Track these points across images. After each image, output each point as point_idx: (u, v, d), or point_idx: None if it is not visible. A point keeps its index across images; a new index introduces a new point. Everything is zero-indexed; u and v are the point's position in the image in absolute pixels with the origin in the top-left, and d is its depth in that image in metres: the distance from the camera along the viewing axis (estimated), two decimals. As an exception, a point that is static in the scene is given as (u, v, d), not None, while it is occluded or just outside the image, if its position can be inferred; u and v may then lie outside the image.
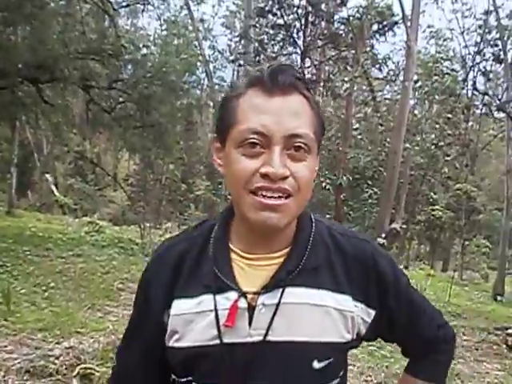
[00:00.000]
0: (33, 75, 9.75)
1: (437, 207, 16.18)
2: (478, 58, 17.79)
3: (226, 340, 0.83)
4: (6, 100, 10.14)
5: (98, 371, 3.29)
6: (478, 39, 17.73)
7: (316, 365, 0.84)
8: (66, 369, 3.29)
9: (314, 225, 0.91)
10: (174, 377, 0.91)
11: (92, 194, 21.15)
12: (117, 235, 11.82)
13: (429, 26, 18.89)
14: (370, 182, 13.80)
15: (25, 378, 3.10)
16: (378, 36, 12.21)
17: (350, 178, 12.39)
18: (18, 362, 3.21)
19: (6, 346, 3.56)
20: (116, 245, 10.27)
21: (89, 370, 3.32)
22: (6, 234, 9.28)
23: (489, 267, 17.34)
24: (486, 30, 17.06)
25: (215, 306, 0.84)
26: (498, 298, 10.90)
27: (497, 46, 16.09)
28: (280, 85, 0.80)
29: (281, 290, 0.84)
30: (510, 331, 6.23)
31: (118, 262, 8.29)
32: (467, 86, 18.00)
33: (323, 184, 12.01)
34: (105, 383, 3.22)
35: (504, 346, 5.99)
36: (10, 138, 15.12)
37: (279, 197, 0.79)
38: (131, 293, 6.16)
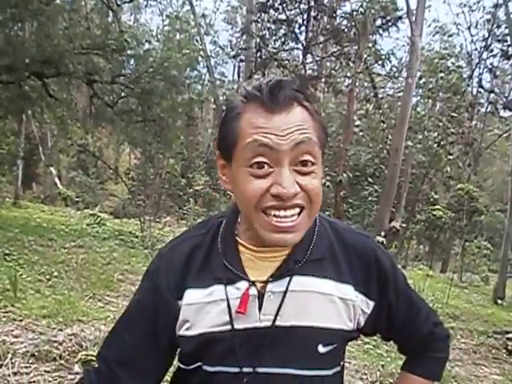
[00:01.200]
0: (39, 70, 9.88)
1: (437, 207, 16.09)
2: (485, 54, 17.23)
3: (237, 326, 0.88)
4: (14, 94, 10.28)
5: (99, 358, 3.39)
6: (486, 34, 17.10)
7: (321, 349, 0.89)
8: (68, 354, 3.36)
9: (318, 220, 0.95)
10: (181, 366, 0.95)
11: (93, 187, 21.28)
12: (117, 228, 11.93)
13: (434, 21, 18.49)
14: (370, 180, 13.76)
15: (30, 361, 3.19)
16: (381, 31, 11.99)
17: (351, 175, 12.36)
18: (24, 346, 3.30)
19: (12, 331, 3.66)
20: (116, 237, 10.39)
21: (90, 357, 3.39)
22: (13, 224, 9.51)
23: (489, 270, 17.02)
24: (495, 25, 16.42)
25: (226, 295, 0.89)
26: (499, 301, 10.62)
27: (505, 41, 15.50)
28: (280, 101, 0.81)
29: (288, 278, 0.89)
30: (510, 335, 6.13)
31: (119, 254, 8.39)
32: (472, 83, 17.53)
33: (323, 181, 12.03)
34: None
35: (503, 350, 5.90)
36: (16, 132, 15.26)
37: (292, 215, 0.82)
38: (131, 284, 6.26)
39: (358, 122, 14.68)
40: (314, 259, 0.91)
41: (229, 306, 0.88)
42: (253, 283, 0.89)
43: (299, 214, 0.83)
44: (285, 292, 0.88)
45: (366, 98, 15.98)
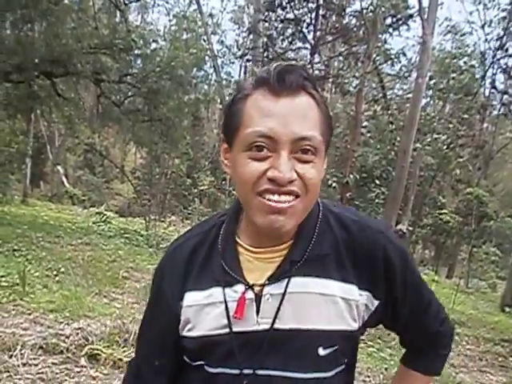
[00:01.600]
0: (48, 69, 9.99)
1: (444, 211, 15.89)
2: (499, 54, 16.12)
3: (235, 329, 0.87)
4: (23, 93, 10.42)
5: (104, 352, 3.40)
6: (501, 33, 16.08)
7: (321, 352, 0.87)
8: (75, 348, 3.42)
9: (321, 213, 0.91)
10: (187, 360, 0.95)
11: (100, 186, 21.44)
12: (123, 226, 12.01)
13: (446, 19, 18.04)
14: (377, 182, 13.60)
15: (38, 353, 3.25)
16: (391, 30, 11.71)
17: (357, 177, 12.23)
18: (33, 339, 3.36)
19: (21, 323, 3.73)
20: (122, 235, 10.46)
21: (96, 351, 3.43)
22: (21, 221, 9.66)
23: (497, 276, 16.72)
24: (511, 23, 15.50)
25: (224, 298, 0.88)
26: (506, 309, 10.33)
27: (522, 40, 14.61)
28: (287, 86, 0.80)
29: (286, 280, 0.86)
30: (517, 343, 5.97)
31: (124, 252, 8.45)
32: (485, 83, 16.78)
33: (329, 182, 11.96)
34: (111, 364, 3.34)
35: (510, 358, 5.82)
36: (25, 131, 15.39)
37: (285, 201, 0.80)
38: (135, 281, 6.31)
39: (365, 123, 14.54)
40: (315, 258, 0.88)
41: (227, 308, 0.88)
42: (250, 286, 0.87)
43: (294, 199, 0.81)
44: (283, 294, 0.86)
45: (374, 99, 15.77)
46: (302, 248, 0.88)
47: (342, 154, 13.23)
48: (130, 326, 3.85)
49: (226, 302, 0.88)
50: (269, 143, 0.79)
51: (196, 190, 17.19)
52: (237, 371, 0.87)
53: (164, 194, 15.45)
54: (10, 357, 3.12)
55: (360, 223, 0.92)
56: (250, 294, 0.87)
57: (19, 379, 2.91)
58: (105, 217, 12.10)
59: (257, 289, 0.87)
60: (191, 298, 0.91)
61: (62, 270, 6.10)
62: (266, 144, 0.79)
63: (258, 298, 0.87)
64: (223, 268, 0.89)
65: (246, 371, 0.87)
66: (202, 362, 0.91)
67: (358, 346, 0.98)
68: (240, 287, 0.87)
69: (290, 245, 0.88)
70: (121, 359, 3.36)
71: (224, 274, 0.89)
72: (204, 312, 0.89)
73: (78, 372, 3.18)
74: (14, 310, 4.08)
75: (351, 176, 11.78)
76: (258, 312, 0.87)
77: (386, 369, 4.25)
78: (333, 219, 0.92)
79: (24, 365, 3.06)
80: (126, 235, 10.56)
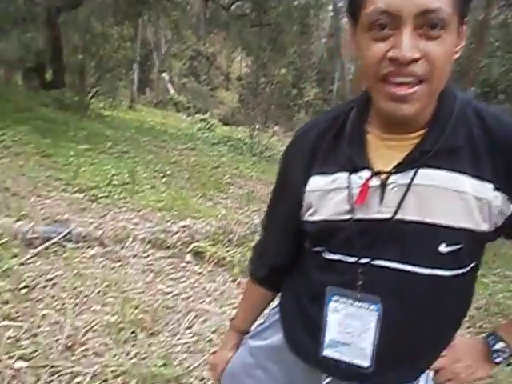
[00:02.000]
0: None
1: None
2: None
3: (357, 215, 0.85)
4: (132, -2, 10.48)
5: (209, 250, 3.55)
6: None
7: (443, 249, 0.82)
8: (181, 244, 3.60)
9: (457, 103, 0.83)
10: (308, 245, 0.97)
11: (204, 94, 21.78)
12: (226, 134, 12.25)
13: None
14: (501, 97, 12.33)
15: (147, 247, 3.47)
16: None
17: (479, 91, 11.14)
18: (142, 233, 3.57)
19: (132, 219, 3.97)
20: (225, 143, 10.67)
21: (201, 249, 3.59)
22: (129, 126, 10.20)
23: None
24: None
25: (349, 183, 0.86)
26: None
27: None
28: None
29: (414, 170, 0.81)
30: None
31: (227, 159, 8.62)
32: None
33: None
34: (214, 262, 3.48)
35: None
36: (132, 37, 15.78)
37: (409, 83, 0.74)
38: (239, 188, 6.41)
39: (493, 31, 12.86)
40: (448, 149, 0.81)
41: (350, 194, 0.86)
42: (376, 173, 0.84)
43: (418, 83, 0.75)
44: (409, 185, 0.82)
45: (507, 3, 13.73)
46: (435, 138, 0.82)
47: (463, 64, 11.91)
48: (234, 227, 3.97)
49: (349, 187, 0.86)
50: (390, 20, 0.73)
51: (301, 101, 16.85)
52: (353, 259, 0.87)
53: (268, 103, 15.31)
54: (122, 248, 3.35)
55: (500, 118, 0.83)
56: (374, 182, 0.85)
57: (130, 268, 3.14)
58: (209, 124, 12.39)
59: (382, 177, 0.84)
60: (315, 182, 0.92)
61: (168, 172, 6.35)
62: (387, 22, 0.74)
63: (383, 187, 0.84)
64: (350, 154, 0.88)
65: (362, 260, 0.86)
66: (321, 248, 0.92)
67: (484, 252, 0.90)
68: (365, 173, 0.85)
69: (422, 134, 0.83)
70: (224, 258, 3.49)
71: (350, 160, 0.87)
72: (327, 197, 0.90)
73: (184, 267, 3.36)
74: (124, 206, 4.33)
75: (472, 89, 10.70)
76: (381, 200, 0.84)
77: (489, 294, 4.03)
78: (470, 111, 0.84)
79: (134, 256, 3.29)
80: (229, 143, 10.78)
